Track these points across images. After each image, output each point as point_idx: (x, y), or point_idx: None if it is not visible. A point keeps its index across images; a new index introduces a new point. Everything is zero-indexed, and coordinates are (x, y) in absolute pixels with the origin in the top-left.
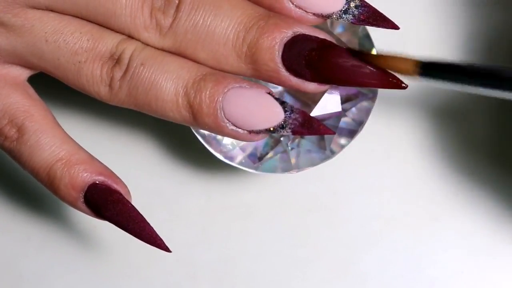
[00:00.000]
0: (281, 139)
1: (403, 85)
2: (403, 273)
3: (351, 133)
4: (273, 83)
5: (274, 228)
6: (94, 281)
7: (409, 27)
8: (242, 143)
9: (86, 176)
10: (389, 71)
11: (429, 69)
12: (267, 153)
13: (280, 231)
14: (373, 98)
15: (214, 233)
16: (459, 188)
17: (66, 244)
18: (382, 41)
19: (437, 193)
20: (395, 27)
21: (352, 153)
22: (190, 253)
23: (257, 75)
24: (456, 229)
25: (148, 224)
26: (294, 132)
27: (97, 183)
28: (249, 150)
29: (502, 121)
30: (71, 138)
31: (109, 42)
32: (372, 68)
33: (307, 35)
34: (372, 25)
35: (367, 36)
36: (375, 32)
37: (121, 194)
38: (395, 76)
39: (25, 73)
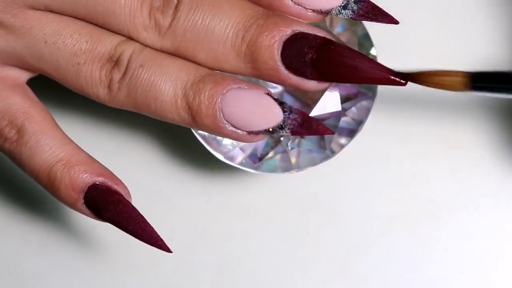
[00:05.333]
0: (281, 139)
1: (402, 81)
2: (403, 273)
3: (351, 132)
4: (273, 82)
5: (274, 228)
6: (94, 281)
7: (409, 26)
8: (242, 143)
9: (86, 177)
10: (435, 87)
11: (481, 82)
12: (267, 153)
13: (280, 231)
14: (372, 97)
15: (214, 233)
16: (459, 188)
17: (66, 244)
18: (382, 41)
19: (437, 193)
20: (394, 21)
21: (352, 153)
22: (190, 253)
23: (257, 74)
24: (456, 229)
25: (149, 224)
26: (293, 133)
27: (97, 184)
28: (249, 150)
29: (502, 121)
30: (71, 140)
31: (108, 43)
32: (372, 65)
33: (307, 33)
34: (371, 20)
35: (367, 36)
36: (374, 31)
37: (121, 195)
38: (395, 73)
39: (24, 76)
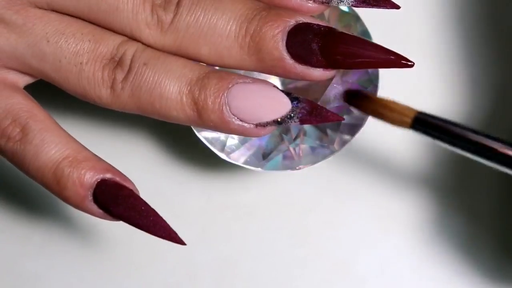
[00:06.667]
0: (284, 136)
1: (410, 63)
2: (403, 273)
3: (353, 129)
4: (277, 74)
5: (274, 228)
6: (94, 281)
7: (409, 25)
8: (246, 143)
9: (94, 173)
10: (381, 116)
11: (421, 125)
12: (270, 152)
13: (280, 231)
14: (373, 91)
15: (214, 233)
16: (459, 188)
17: (67, 244)
18: (381, 41)
19: (437, 193)
20: (395, 6)
21: (352, 153)
22: (190, 253)
23: (261, 67)
24: (455, 229)
25: (161, 217)
26: (303, 121)
27: (106, 180)
28: (252, 149)
29: (502, 122)
30: (74, 138)
31: (110, 43)
32: (377, 49)
33: (310, 23)
34: (372, 6)
35: (366, 32)
36: (373, 31)
37: (131, 190)
38: (401, 56)
39: (22, 80)
